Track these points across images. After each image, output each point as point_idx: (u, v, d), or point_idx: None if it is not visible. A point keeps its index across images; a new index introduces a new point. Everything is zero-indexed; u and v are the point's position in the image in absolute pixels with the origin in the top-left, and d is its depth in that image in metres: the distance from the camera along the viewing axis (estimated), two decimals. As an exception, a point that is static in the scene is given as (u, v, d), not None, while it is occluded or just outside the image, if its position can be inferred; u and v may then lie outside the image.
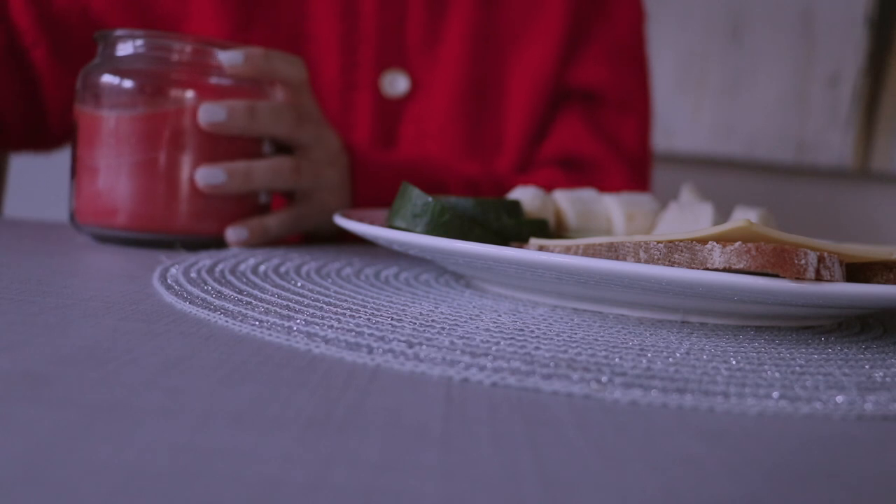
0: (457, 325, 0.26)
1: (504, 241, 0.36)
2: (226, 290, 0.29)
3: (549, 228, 0.38)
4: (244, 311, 0.26)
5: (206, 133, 0.41)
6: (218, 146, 0.42)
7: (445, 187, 0.58)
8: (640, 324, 0.29)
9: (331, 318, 0.26)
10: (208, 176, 0.41)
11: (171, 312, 0.26)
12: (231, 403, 0.17)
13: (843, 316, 0.32)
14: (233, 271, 0.34)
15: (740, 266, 0.24)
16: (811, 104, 1.24)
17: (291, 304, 0.27)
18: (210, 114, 0.41)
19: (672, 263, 0.26)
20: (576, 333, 0.26)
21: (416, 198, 0.34)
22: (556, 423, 0.17)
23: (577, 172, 0.71)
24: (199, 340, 0.22)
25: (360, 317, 0.26)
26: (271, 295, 0.29)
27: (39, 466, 0.13)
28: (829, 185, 1.28)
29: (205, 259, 0.37)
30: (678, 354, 0.24)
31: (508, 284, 0.33)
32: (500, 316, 0.28)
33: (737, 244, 0.24)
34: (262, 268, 0.36)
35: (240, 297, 0.28)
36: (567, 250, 0.30)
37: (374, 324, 0.25)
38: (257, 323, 0.24)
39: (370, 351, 0.22)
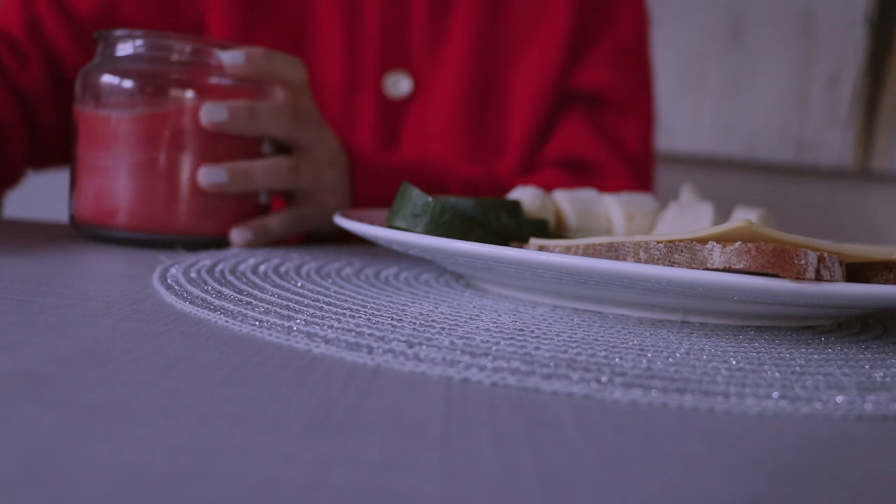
0: (457, 325, 0.26)
1: (504, 241, 0.36)
2: (226, 290, 0.29)
3: (549, 228, 0.38)
4: (244, 311, 0.26)
5: (206, 133, 0.41)
6: (218, 146, 0.42)
7: (445, 188, 0.58)
8: (640, 324, 0.29)
9: (331, 318, 0.26)
10: (211, 175, 0.41)
11: (171, 312, 0.26)
12: (231, 403, 0.17)
13: (843, 316, 0.32)
14: (233, 271, 0.34)
15: (740, 266, 0.24)
16: (811, 104, 1.23)
17: (291, 304, 0.27)
18: (212, 114, 0.41)
19: (672, 263, 0.26)
20: (576, 333, 0.26)
21: (416, 198, 0.34)
22: (556, 423, 0.17)
23: (579, 174, 0.71)
24: (199, 340, 0.22)
25: (360, 317, 0.26)
26: (271, 295, 0.29)
27: (39, 466, 0.13)
28: (828, 185, 1.28)
29: (205, 259, 0.37)
30: (678, 354, 0.24)
31: (508, 284, 0.33)
32: (500, 316, 0.28)
33: (737, 244, 0.24)
34: (262, 268, 0.36)
35: (240, 297, 0.28)
36: (567, 250, 0.30)
37: (374, 324, 0.25)
38: (257, 323, 0.24)
39: (370, 351, 0.22)
